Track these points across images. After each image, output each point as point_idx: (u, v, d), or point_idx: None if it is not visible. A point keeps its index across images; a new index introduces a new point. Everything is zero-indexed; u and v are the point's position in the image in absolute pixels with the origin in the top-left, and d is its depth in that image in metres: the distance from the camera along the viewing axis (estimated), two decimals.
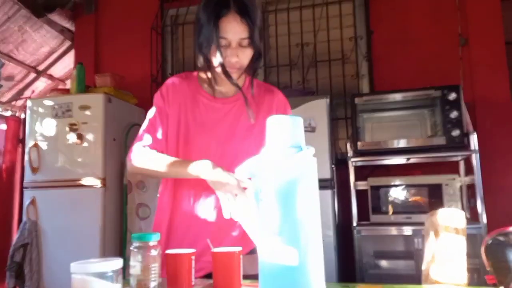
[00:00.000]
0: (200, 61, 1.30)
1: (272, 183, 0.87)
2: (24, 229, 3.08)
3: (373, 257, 2.88)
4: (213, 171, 1.16)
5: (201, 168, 1.18)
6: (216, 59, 1.24)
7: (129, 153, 1.35)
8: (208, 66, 1.30)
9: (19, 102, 4.31)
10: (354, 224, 2.74)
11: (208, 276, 1.27)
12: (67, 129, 3.13)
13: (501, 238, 1.75)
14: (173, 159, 1.28)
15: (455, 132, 2.63)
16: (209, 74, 1.34)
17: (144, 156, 1.31)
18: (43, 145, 3.19)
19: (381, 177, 2.91)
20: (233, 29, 1.21)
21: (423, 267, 1.09)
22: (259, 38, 1.26)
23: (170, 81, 1.40)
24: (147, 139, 1.33)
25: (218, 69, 1.27)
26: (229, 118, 1.35)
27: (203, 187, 1.27)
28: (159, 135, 1.34)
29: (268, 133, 0.93)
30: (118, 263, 0.87)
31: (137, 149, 1.33)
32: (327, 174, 2.74)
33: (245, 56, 1.26)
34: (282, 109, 1.41)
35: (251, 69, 1.34)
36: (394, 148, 2.76)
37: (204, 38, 1.23)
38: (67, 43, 4.28)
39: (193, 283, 1.09)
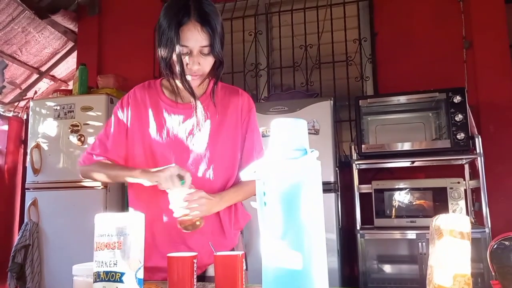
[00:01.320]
0: (162, 67, 1.30)
1: (276, 186, 0.86)
2: (26, 230, 3.08)
3: (376, 261, 2.86)
4: (148, 177, 1.24)
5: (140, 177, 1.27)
6: (177, 68, 1.24)
7: (79, 159, 1.42)
8: (170, 73, 1.30)
9: (22, 103, 4.31)
10: (358, 227, 2.72)
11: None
12: (69, 130, 3.13)
13: (507, 243, 1.73)
14: (116, 169, 1.35)
15: (460, 135, 2.61)
16: (172, 81, 1.33)
17: (90, 167, 1.39)
18: (45, 146, 3.19)
19: (385, 180, 2.89)
20: (194, 37, 1.21)
21: (428, 271, 1.08)
22: (221, 45, 1.27)
23: (132, 91, 1.41)
24: (98, 147, 1.39)
25: (178, 77, 1.27)
26: (192, 123, 1.35)
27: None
28: (111, 144, 1.37)
29: (272, 136, 0.92)
30: None
31: (85, 158, 1.40)
32: (330, 177, 2.72)
33: (207, 63, 1.27)
34: (247, 110, 1.41)
35: (213, 75, 1.35)
36: (398, 151, 2.75)
37: (165, 46, 1.23)
38: (70, 44, 4.29)
39: (195, 286, 1.08)
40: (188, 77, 1.27)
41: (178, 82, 1.32)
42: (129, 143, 1.38)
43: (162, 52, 1.25)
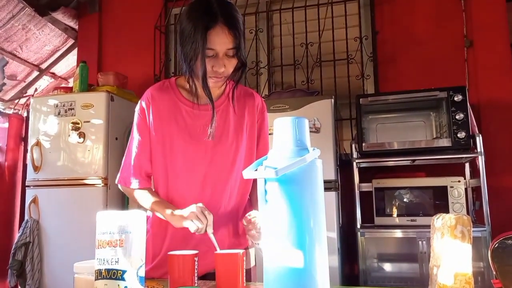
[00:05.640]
0: (184, 69, 1.29)
1: (278, 185, 0.86)
2: (26, 227, 3.08)
3: (377, 259, 2.86)
4: (178, 222, 1.23)
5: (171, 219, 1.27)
6: (201, 71, 1.24)
7: (119, 177, 1.43)
8: (193, 75, 1.29)
9: (22, 100, 4.31)
10: (358, 226, 2.72)
11: (201, 278, 1.29)
12: (70, 127, 3.13)
13: (508, 242, 1.73)
14: (153, 202, 1.34)
15: (461, 134, 2.61)
16: (191, 82, 1.32)
17: (131, 191, 1.41)
18: (46, 144, 3.18)
19: (385, 179, 2.88)
20: (221, 41, 1.21)
21: (430, 271, 1.08)
22: (244, 46, 1.28)
23: (149, 93, 1.39)
24: (135, 162, 1.38)
25: (200, 80, 1.26)
26: (214, 125, 1.35)
27: (195, 191, 1.32)
28: (145, 153, 1.37)
29: (274, 134, 0.92)
30: None
31: (127, 179, 1.40)
32: (331, 176, 2.72)
33: (231, 65, 1.27)
34: (261, 111, 1.45)
35: (233, 76, 1.34)
36: (399, 150, 2.74)
37: (190, 49, 1.22)
38: (71, 42, 4.28)
39: (195, 284, 1.08)
40: (211, 81, 1.27)
41: (197, 84, 1.31)
42: (152, 148, 1.38)
43: (186, 55, 1.24)
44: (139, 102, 1.40)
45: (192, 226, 1.17)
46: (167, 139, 1.34)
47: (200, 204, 1.21)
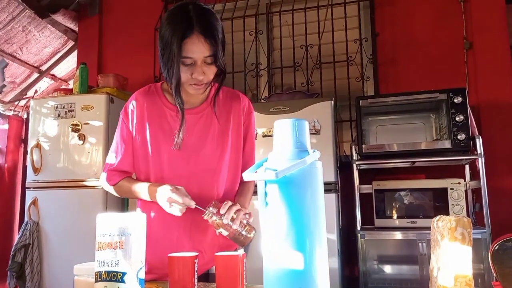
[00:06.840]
0: (165, 76, 1.30)
1: (278, 187, 0.86)
2: (26, 229, 3.07)
3: (377, 261, 2.85)
4: (162, 201, 1.25)
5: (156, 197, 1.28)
6: (174, 80, 1.25)
7: (102, 177, 1.44)
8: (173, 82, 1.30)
9: (22, 102, 4.31)
10: (358, 228, 2.72)
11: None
12: (70, 129, 3.13)
13: (508, 244, 1.73)
14: (134, 188, 1.37)
15: (461, 136, 2.61)
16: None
17: (114, 188, 1.43)
18: (45, 146, 3.18)
19: (385, 181, 2.88)
20: (198, 49, 1.21)
21: (430, 273, 1.08)
22: (222, 51, 1.28)
23: (134, 97, 1.41)
24: (115, 163, 1.40)
25: (173, 89, 1.27)
26: (198, 128, 1.37)
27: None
28: (126, 155, 1.39)
29: (274, 136, 0.92)
30: None
31: (106, 177, 1.42)
32: (331, 177, 2.71)
33: (211, 72, 1.28)
34: (247, 113, 1.46)
35: (215, 82, 1.35)
36: (399, 151, 2.74)
37: (168, 58, 1.23)
38: (71, 43, 4.29)
39: (195, 286, 1.08)
40: (192, 88, 1.29)
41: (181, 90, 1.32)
42: (135, 152, 1.39)
43: (164, 62, 1.25)
44: (124, 105, 1.42)
45: (175, 210, 1.22)
46: (151, 143, 1.36)
47: (168, 188, 1.22)
